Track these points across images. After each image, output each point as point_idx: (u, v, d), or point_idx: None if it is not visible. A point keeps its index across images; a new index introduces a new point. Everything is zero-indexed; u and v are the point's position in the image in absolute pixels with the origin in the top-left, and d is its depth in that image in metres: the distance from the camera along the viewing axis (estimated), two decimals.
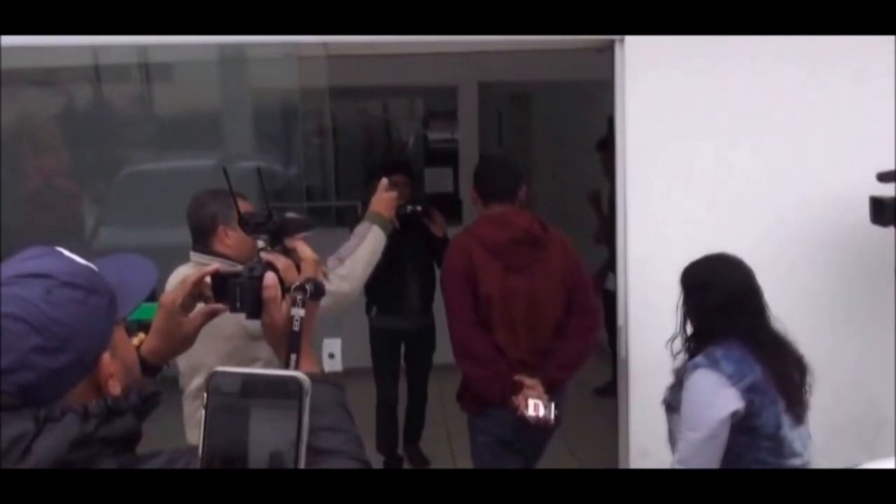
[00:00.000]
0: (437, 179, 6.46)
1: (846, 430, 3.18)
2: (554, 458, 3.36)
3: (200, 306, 1.45)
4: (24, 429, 0.95)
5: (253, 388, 0.82)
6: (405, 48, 3.07)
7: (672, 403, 2.37)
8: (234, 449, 0.81)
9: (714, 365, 2.23)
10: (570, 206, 6.17)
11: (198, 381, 2.35)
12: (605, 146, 4.20)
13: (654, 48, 3.00)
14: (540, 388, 2.82)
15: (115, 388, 1.05)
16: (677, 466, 2.27)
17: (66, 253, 1.10)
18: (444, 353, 3.36)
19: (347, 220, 4.24)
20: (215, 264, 1.53)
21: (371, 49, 3.04)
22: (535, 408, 2.76)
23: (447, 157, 6.79)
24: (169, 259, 2.37)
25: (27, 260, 1.06)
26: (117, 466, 0.98)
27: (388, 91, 7.36)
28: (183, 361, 2.40)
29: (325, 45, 2.87)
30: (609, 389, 4.35)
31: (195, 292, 1.42)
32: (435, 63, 5.27)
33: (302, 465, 0.80)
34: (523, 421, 2.79)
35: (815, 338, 3.10)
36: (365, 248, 2.53)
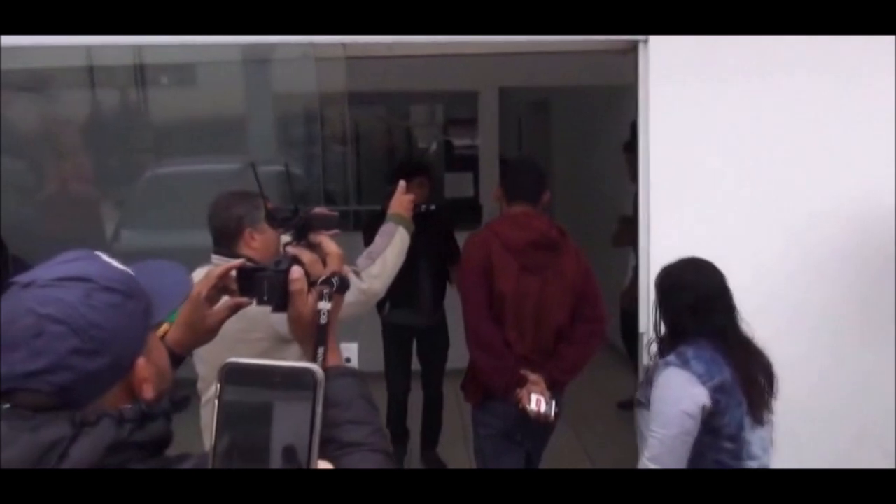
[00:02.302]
0: (456, 184, 6.47)
1: (868, 439, 3.14)
2: (573, 465, 3.36)
3: (225, 299, 1.48)
4: (62, 433, 0.96)
5: (266, 379, 0.81)
6: (424, 49, 3.05)
7: (642, 400, 2.45)
8: (247, 440, 0.80)
9: (685, 364, 2.30)
10: (590, 212, 6.13)
11: None
12: (632, 148, 4.16)
13: (678, 50, 2.95)
14: (543, 385, 2.94)
15: (148, 392, 1.06)
16: (648, 464, 2.32)
17: (105, 257, 1.12)
18: (461, 356, 3.39)
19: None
20: (241, 259, 1.55)
21: (390, 50, 3.03)
22: (538, 403, 2.88)
23: (467, 162, 6.80)
24: (189, 262, 2.35)
25: (67, 263, 1.08)
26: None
27: (409, 96, 7.38)
28: (204, 366, 2.38)
29: (343, 45, 2.86)
30: (633, 404, 4.30)
31: (220, 285, 1.46)
32: (456, 68, 5.27)
33: (315, 457, 0.79)
34: (524, 414, 2.91)
35: (834, 344, 3.12)
36: (393, 247, 2.55)
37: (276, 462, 0.79)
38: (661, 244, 3.01)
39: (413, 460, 4.53)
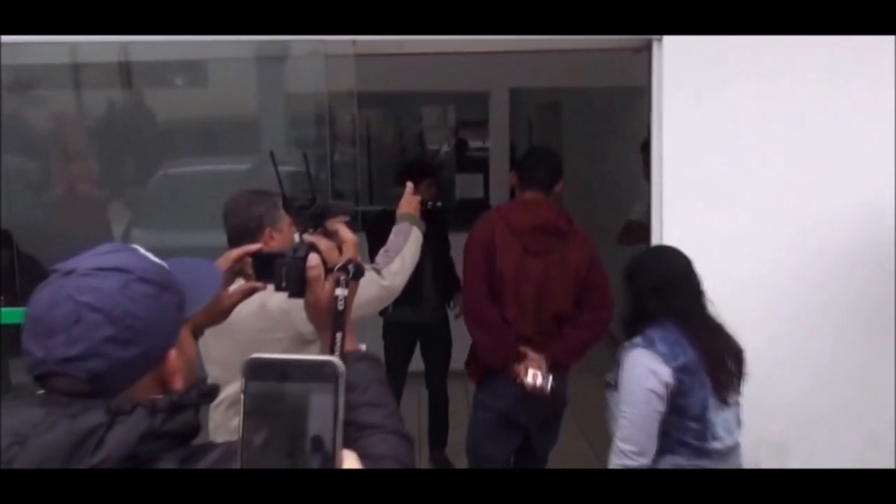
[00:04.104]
0: (467, 185, 6.48)
1: (883, 439, 3.11)
2: (578, 459, 3.39)
3: (240, 282, 1.52)
4: (98, 420, 0.99)
5: (289, 372, 0.82)
6: (434, 47, 3.04)
7: (611, 382, 2.52)
8: (276, 433, 0.82)
9: (650, 345, 2.39)
10: (600, 214, 6.10)
11: (237, 385, 2.27)
12: (649, 148, 4.15)
13: (692, 49, 2.92)
14: (542, 362, 3.01)
15: (178, 383, 1.10)
16: (620, 445, 2.40)
17: (141, 250, 1.15)
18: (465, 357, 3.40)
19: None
20: (258, 245, 1.59)
21: (400, 48, 3.02)
22: (534, 377, 2.96)
23: (478, 164, 6.81)
24: None
25: (105, 254, 1.11)
26: (177, 459, 1.03)
27: (421, 97, 7.38)
28: (215, 367, 2.36)
29: (353, 42, 2.85)
30: None
31: (236, 268, 1.50)
32: (466, 69, 5.26)
33: (340, 446, 0.82)
34: (521, 388, 2.98)
35: (847, 346, 3.09)
36: (410, 245, 2.56)
37: (306, 452, 0.81)
38: (673, 242, 3.00)
39: (421, 461, 4.51)
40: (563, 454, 3.63)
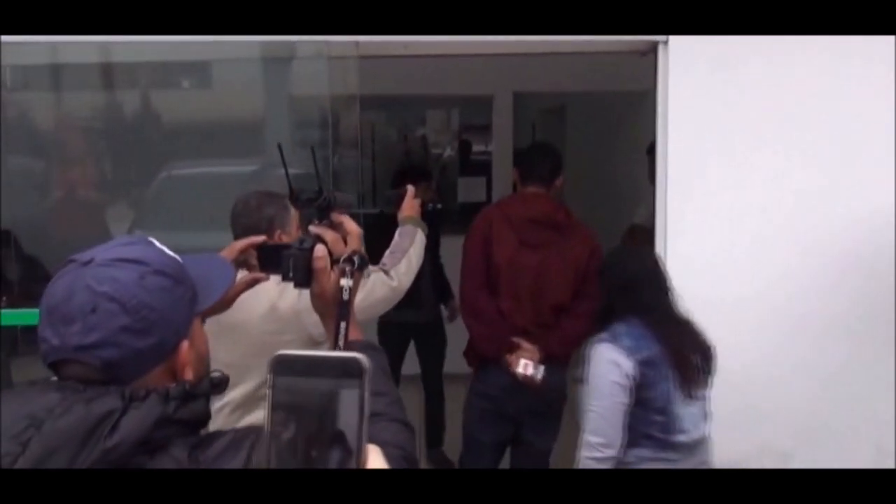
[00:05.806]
0: (470, 188, 6.49)
1: (887, 449, 3.10)
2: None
3: (243, 273, 1.55)
4: (113, 406, 1.01)
5: (316, 369, 0.83)
6: (438, 48, 3.04)
7: (579, 377, 2.58)
8: (300, 428, 0.82)
9: (615, 339, 2.47)
10: (604, 219, 6.09)
11: (243, 389, 2.22)
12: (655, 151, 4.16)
13: (698, 50, 2.92)
14: (535, 353, 3.06)
15: (189, 375, 1.13)
16: (589, 438, 2.45)
17: (157, 243, 1.18)
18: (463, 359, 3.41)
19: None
20: (262, 236, 1.63)
21: (404, 49, 3.01)
22: (525, 367, 3.03)
23: (481, 167, 6.82)
24: None
25: (122, 246, 1.13)
26: (188, 446, 1.06)
27: (425, 100, 7.38)
28: (220, 368, 2.36)
29: (356, 44, 2.84)
30: None
31: (240, 259, 1.53)
32: (470, 72, 5.26)
33: (365, 442, 0.82)
34: (513, 378, 3.03)
35: (854, 352, 3.06)
36: (416, 247, 2.60)
37: (331, 448, 0.82)
38: (677, 245, 2.99)
39: (422, 461, 4.51)
40: (565, 453, 3.61)
